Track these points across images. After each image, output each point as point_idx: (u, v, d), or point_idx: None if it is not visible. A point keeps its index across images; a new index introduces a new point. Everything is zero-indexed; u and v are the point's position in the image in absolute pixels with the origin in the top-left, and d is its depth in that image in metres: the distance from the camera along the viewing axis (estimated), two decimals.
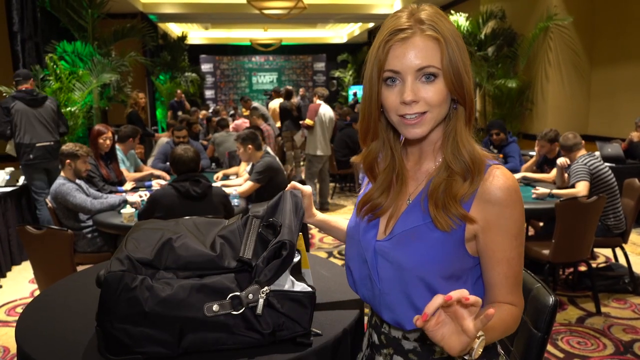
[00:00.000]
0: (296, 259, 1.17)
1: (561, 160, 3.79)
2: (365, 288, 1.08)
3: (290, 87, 9.23)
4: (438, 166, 1.02)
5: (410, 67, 0.93)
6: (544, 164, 4.47)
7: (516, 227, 0.98)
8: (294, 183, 1.31)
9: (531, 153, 4.78)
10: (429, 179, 1.02)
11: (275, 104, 10.30)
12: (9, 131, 4.73)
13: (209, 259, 1.11)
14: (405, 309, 1.00)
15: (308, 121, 6.32)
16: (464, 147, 0.97)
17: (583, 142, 3.84)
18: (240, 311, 1.06)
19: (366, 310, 1.28)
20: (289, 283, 1.12)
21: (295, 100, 10.07)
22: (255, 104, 9.89)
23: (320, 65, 18.85)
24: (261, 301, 1.06)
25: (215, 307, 1.05)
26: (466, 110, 0.98)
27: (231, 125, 7.29)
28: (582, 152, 3.75)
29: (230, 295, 1.06)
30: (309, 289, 1.13)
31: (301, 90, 13.18)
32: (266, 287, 1.08)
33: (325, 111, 6.37)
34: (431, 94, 0.94)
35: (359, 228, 1.09)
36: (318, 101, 6.41)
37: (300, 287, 1.13)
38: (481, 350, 0.86)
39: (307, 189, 1.30)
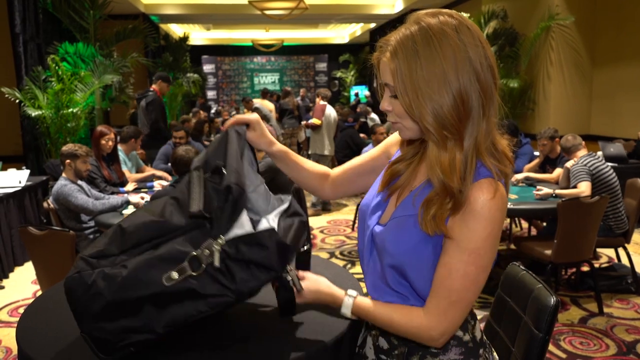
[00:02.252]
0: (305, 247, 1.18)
1: (570, 163, 3.76)
2: (361, 261, 1.16)
3: (288, 88, 9.37)
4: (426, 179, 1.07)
5: (382, 81, 1.01)
6: (546, 163, 4.46)
7: (473, 243, 0.95)
8: (237, 117, 1.22)
9: (536, 153, 4.77)
10: (425, 180, 1.05)
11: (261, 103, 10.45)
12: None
13: (157, 227, 1.05)
14: (383, 292, 1.09)
15: (316, 120, 6.37)
16: (431, 169, 0.97)
17: (583, 142, 3.83)
18: (201, 270, 0.99)
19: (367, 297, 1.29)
20: (247, 227, 1.03)
21: (296, 100, 10.14)
22: (256, 104, 9.89)
23: (322, 66, 18.85)
24: (217, 254, 1.00)
25: (174, 275, 0.99)
26: (432, 135, 0.95)
27: None
28: (583, 152, 3.74)
29: (188, 257, 1.00)
30: (267, 227, 1.05)
31: (302, 91, 13.20)
32: (221, 237, 1.01)
33: (331, 111, 6.57)
34: (395, 108, 1.00)
35: (369, 207, 1.14)
36: (322, 102, 6.46)
37: (259, 229, 1.05)
38: (348, 311, 1.11)
39: (254, 116, 1.23)
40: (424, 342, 1.03)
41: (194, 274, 0.99)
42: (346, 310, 1.12)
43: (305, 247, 1.27)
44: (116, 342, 1.02)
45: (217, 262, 0.99)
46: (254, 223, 1.06)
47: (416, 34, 0.94)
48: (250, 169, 1.20)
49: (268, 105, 10.26)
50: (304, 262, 1.30)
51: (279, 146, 1.26)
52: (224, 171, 1.05)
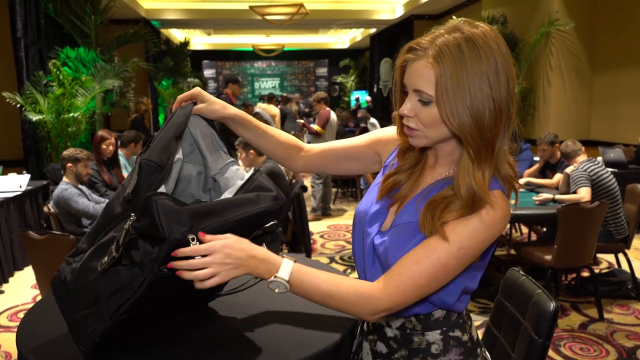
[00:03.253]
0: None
1: (571, 169, 3.77)
2: (359, 268, 1.13)
3: (287, 95, 9.50)
4: (446, 177, 1.05)
5: (410, 85, 0.98)
6: (546, 169, 4.47)
7: (466, 241, 0.95)
8: (179, 97, 1.16)
9: (536, 159, 4.78)
10: (431, 183, 1.06)
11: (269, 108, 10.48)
12: None
13: (106, 217, 1.08)
14: None
15: (318, 128, 6.42)
16: (463, 180, 0.96)
17: (583, 148, 3.83)
18: (120, 251, 0.97)
19: None
20: None
21: (295, 106, 10.19)
22: (257, 109, 9.91)
23: (323, 71, 18.90)
24: (123, 231, 0.97)
25: (104, 259, 0.99)
26: (471, 150, 0.95)
27: None
28: (583, 157, 3.75)
29: (115, 240, 1.00)
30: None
31: (296, 96, 13.24)
32: (132, 215, 0.98)
33: (334, 117, 6.68)
34: (423, 115, 0.97)
35: (367, 214, 1.11)
36: (326, 108, 6.54)
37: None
38: (277, 289, 0.97)
39: (194, 90, 1.16)
40: (362, 312, 0.98)
41: (115, 255, 0.97)
42: (284, 274, 0.97)
43: (269, 226, 1.10)
44: (83, 331, 1.05)
45: (121, 240, 0.96)
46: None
47: (462, 41, 0.92)
48: (212, 150, 1.16)
49: (272, 110, 10.26)
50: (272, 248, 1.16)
51: (235, 110, 1.19)
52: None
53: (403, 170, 1.09)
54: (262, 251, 0.99)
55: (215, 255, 0.94)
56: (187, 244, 0.94)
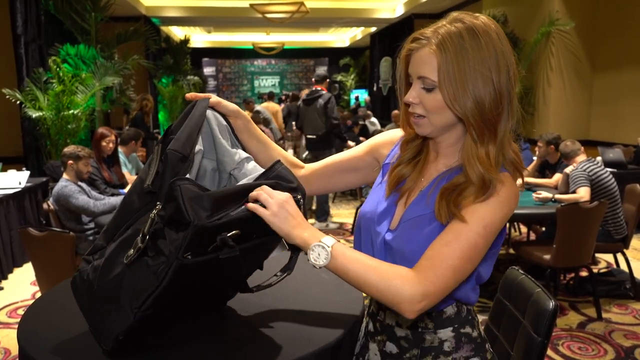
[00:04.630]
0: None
1: (570, 169, 3.77)
2: None
3: (294, 92, 9.46)
4: (454, 166, 1.07)
5: (415, 73, 1.02)
6: (545, 168, 4.47)
7: (489, 218, 0.97)
8: (205, 96, 1.15)
9: (534, 158, 4.79)
10: (439, 174, 1.08)
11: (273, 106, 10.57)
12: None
13: (125, 212, 1.06)
14: None
15: None
16: (469, 163, 1.00)
17: (582, 148, 3.84)
18: (146, 241, 0.95)
19: (365, 302, 1.29)
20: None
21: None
22: (257, 107, 9.91)
23: (323, 69, 18.89)
24: (149, 221, 0.95)
25: (130, 252, 0.97)
26: (473, 129, 0.99)
27: None
28: (582, 157, 3.75)
29: (140, 232, 0.98)
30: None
31: (302, 94, 13.24)
32: (158, 204, 0.96)
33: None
34: (427, 101, 1.01)
35: (375, 213, 1.11)
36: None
37: None
38: (318, 261, 0.94)
39: (231, 106, 1.17)
40: (401, 300, 0.93)
41: (141, 245, 0.96)
42: (328, 241, 0.95)
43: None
44: (107, 330, 1.02)
45: (146, 229, 0.95)
46: None
47: (463, 31, 0.97)
48: (229, 145, 1.15)
49: (273, 107, 10.32)
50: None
51: (246, 114, 1.21)
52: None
53: (405, 162, 1.12)
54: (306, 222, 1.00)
55: (279, 199, 0.96)
56: (213, 230, 0.93)
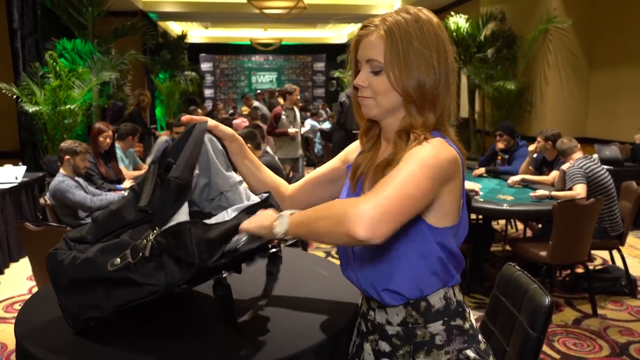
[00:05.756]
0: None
1: (567, 165, 3.78)
2: (350, 262, 1.16)
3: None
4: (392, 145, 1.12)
5: (363, 57, 1.10)
6: (543, 165, 4.48)
7: (421, 156, 0.99)
8: (202, 119, 1.21)
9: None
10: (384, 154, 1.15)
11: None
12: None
13: (116, 220, 1.15)
14: (377, 276, 1.10)
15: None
16: (400, 134, 1.08)
17: (579, 145, 3.84)
18: (138, 259, 1.05)
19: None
20: (182, 219, 1.06)
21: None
22: (256, 103, 9.91)
23: (320, 65, 18.86)
24: (149, 244, 1.05)
25: (116, 261, 1.07)
26: (415, 106, 1.07)
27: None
28: (579, 154, 3.76)
29: (130, 246, 1.08)
30: (183, 219, 1.06)
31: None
32: (157, 229, 1.06)
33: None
34: (375, 83, 1.09)
35: None
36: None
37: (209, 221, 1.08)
38: (280, 229, 1.00)
39: (228, 130, 1.24)
40: (352, 220, 0.88)
41: (132, 261, 1.06)
42: (283, 220, 1.01)
43: (272, 249, 1.18)
44: (78, 314, 1.14)
45: (147, 252, 1.05)
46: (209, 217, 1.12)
47: (409, 20, 1.06)
48: (224, 168, 1.22)
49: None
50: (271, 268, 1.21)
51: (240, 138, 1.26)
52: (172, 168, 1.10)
53: (362, 153, 1.19)
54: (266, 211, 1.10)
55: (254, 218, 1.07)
56: (212, 269, 1.07)
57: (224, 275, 1.15)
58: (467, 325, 1.13)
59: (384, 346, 1.13)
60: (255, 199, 1.19)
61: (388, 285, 1.09)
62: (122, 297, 1.09)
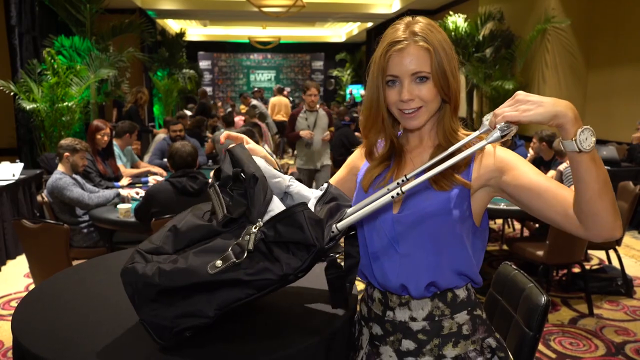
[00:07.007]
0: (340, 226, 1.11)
1: (564, 166, 3.79)
2: (385, 258, 1.14)
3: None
4: (435, 147, 1.17)
5: (406, 72, 1.10)
6: (540, 165, 4.49)
7: (519, 160, 1.10)
8: (240, 138, 1.30)
9: (529, 155, 4.80)
10: (429, 156, 1.17)
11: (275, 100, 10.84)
12: None
13: (205, 229, 1.13)
14: (424, 269, 1.10)
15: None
16: (450, 133, 1.15)
17: None
18: (244, 256, 1.04)
19: (358, 309, 1.30)
20: (281, 207, 1.09)
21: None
22: (254, 102, 9.90)
23: (319, 64, 18.86)
24: (252, 237, 1.04)
25: (217, 263, 1.04)
26: (451, 105, 1.14)
27: None
28: None
29: (231, 246, 1.06)
30: (282, 207, 1.09)
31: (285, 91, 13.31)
32: (259, 221, 1.07)
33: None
34: (424, 92, 1.11)
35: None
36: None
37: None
38: (589, 143, 0.89)
39: (263, 152, 1.32)
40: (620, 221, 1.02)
41: (236, 260, 1.04)
42: (590, 133, 0.90)
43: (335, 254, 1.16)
44: (172, 327, 1.07)
45: (251, 246, 1.03)
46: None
47: (432, 27, 1.12)
48: (271, 168, 1.27)
49: (283, 101, 10.68)
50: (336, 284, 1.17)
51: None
52: (243, 175, 1.13)
53: (375, 164, 1.21)
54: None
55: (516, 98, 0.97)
56: (327, 250, 1.05)
57: (336, 256, 1.13)
58: (484, 316, 1.17)
59: (408, 345, 1.12)
60: (316, 191, 1.24)
61: (432, 278, 1.10)
62: (227, 299, 1.05)
